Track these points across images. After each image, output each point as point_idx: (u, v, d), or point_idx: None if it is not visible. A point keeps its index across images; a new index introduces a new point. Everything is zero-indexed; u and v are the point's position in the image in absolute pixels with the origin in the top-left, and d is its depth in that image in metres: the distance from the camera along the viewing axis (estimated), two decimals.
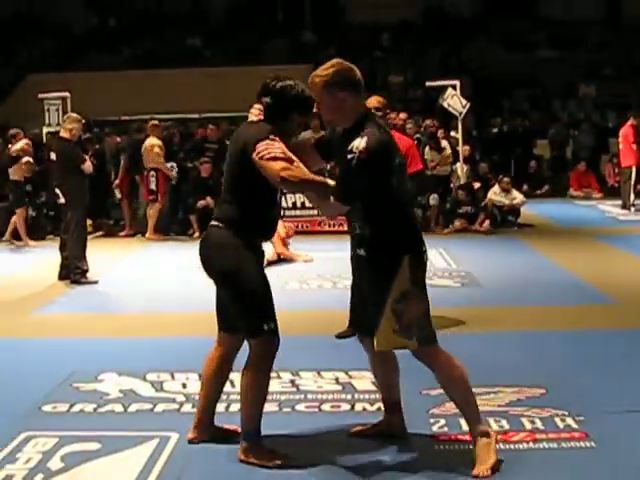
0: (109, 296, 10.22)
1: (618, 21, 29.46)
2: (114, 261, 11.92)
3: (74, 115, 11.46)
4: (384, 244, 4.53)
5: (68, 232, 10.91)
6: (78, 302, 9.86)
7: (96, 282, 10.74)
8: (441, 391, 5.65)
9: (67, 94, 16.27)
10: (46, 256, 13.18)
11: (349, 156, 4.40)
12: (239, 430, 4.90)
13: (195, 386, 6.15)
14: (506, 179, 16.44)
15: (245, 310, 4.72)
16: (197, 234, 15.19)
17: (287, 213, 14.65)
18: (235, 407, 5.61)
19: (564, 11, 28.97)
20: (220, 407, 5.26)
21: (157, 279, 11.15)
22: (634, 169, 17.88)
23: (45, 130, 16.64)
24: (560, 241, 14.07)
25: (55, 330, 8.42)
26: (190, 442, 4.98)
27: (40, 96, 16.65)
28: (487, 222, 15.50)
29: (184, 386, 6.21)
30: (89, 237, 15.13)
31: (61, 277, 10.98)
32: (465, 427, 5.07)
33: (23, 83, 26.50)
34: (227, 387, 5.28)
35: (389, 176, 4.54)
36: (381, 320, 4.51)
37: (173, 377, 6.42)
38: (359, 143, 4.40)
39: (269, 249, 12.23)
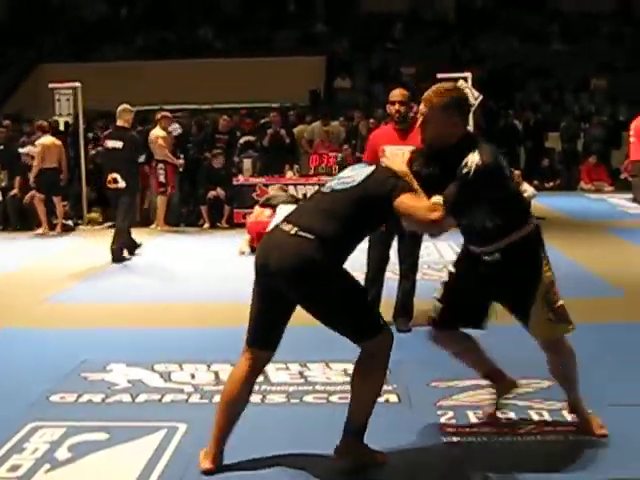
0: (119, 286, 10.22)
1: (630, 14, 29.38)
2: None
3: (127, 106, 12.27)
4: (524, 246, 4.75)
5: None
6: (89, 292, 9.88)
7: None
8: (450, 384, 5.68)
9: (78, 84, 16.25)
10: (65, 245, 13.60)
11: (464, 171, 4.43)
12: None
13: (204, 377, 6.19)
14: (517, 172, 16.36)
15: (359, 314, 4.45)
16: (207, 225, 15.26)
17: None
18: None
19: (576, 4, 28.91)
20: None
21: (167, 270, 11.16)
22: None
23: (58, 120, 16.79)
24: (571, 234, 14.03)
25: (65, 319, 8.43)
26: (206, 473, 4.53)
27: (51, 86, 16.68)
28: None
29: (192, 377, 6.21)
30: (99, 227, 15.35)
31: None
32: (472, 419, 5.17)
33: (35, 73, 26.57)
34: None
35: (508, 184, 4.69)
36: (532, 313, 4.74)
37: (181, 368, 6.41)
38: (473, 158, 4.44)
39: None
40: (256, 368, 4.66)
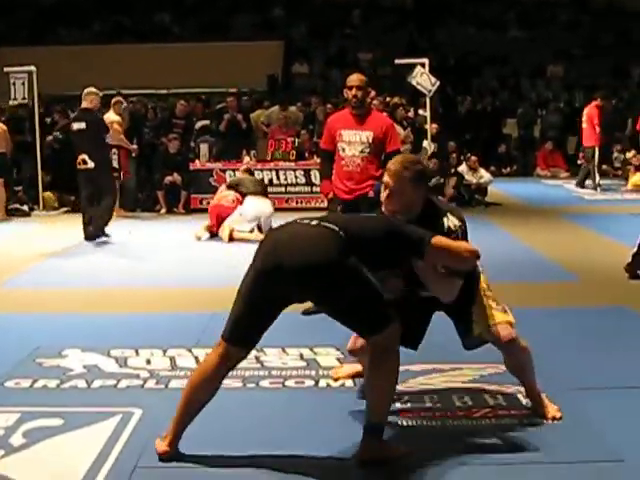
0: (76, 271, 10.17)
1: (586, 2, 29.56)
2: (81, 236, 11.89)
3: (92, 89, 12.58)
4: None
5: (90, 197, 12.22)
6: (45, 276, 9.82)
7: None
8: (403, 368, 5.68)
9: (33, 68, 16.08)
10: (20, 230, 13.55)
11: (452, 235, 4.62)
12: None
13: (160, 362, 6.17)
14: (473, 157, 16.49)
15: (373, 305, 4.39)
16: (164, 210, 15.18)
17: None
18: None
19: None
20: None
21: (123, 255, 11.11)
22: (597, 149, 18.09)
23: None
24: (527, 220, 14.13)
25: (21, 305, 8.38)
26: (161, 457, 4.46)
27: (6, 70, 16.47)
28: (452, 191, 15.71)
29: (148, 362, 6.19)
30: (55, 213, 15.24)
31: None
32: (428, 403, 5.19)
33: None
34: None
35: None
36: (474, 310, 4.87)
37: (137, 353, 6.39)
38: (454, 222, 4.69)
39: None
40: (233, 365, 4.61)
